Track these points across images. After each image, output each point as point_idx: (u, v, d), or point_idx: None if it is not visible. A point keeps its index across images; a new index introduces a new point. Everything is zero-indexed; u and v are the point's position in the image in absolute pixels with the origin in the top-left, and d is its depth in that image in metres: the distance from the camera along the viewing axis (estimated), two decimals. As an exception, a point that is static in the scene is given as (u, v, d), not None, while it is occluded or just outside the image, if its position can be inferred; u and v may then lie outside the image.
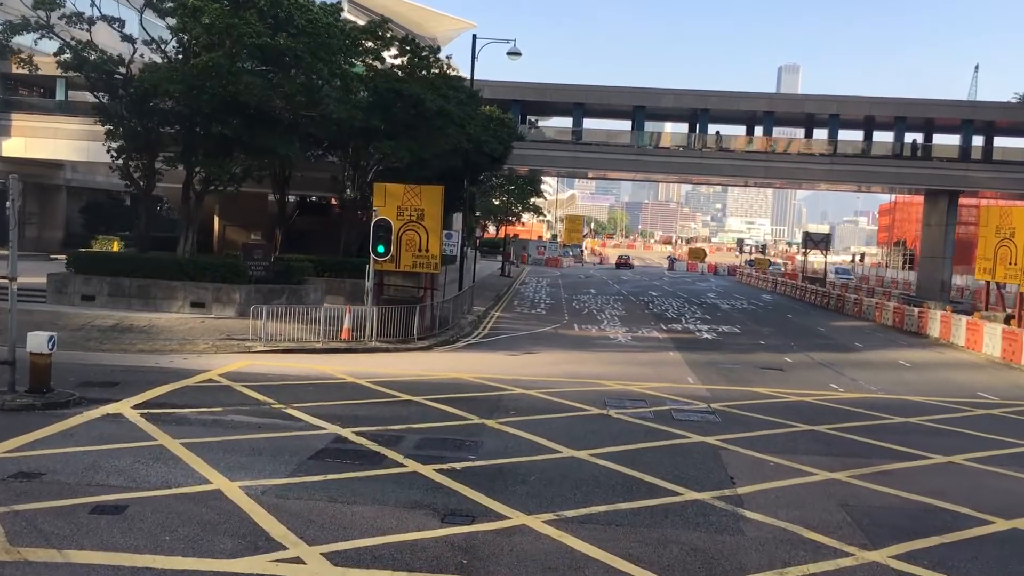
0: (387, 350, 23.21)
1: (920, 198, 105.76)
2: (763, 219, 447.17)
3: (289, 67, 24.12)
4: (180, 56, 25.52)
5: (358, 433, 13.11)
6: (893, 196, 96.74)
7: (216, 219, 37.78)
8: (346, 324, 23.80)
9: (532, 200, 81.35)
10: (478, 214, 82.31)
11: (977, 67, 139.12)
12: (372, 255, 23.78)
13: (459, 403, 15.84)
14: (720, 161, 42.22)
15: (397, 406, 15.53)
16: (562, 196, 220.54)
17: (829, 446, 13.85)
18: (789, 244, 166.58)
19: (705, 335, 30.96)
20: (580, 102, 42.34)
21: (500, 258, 66.81)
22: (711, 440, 13.82)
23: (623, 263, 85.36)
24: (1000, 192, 48.02)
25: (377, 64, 30.83)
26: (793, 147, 42.43)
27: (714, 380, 20.51)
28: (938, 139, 45.26)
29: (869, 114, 41.25)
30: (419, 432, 13.46)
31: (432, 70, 31.01)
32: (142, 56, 27.78)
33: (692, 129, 44.03)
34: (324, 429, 13.34)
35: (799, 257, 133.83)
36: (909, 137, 43.68)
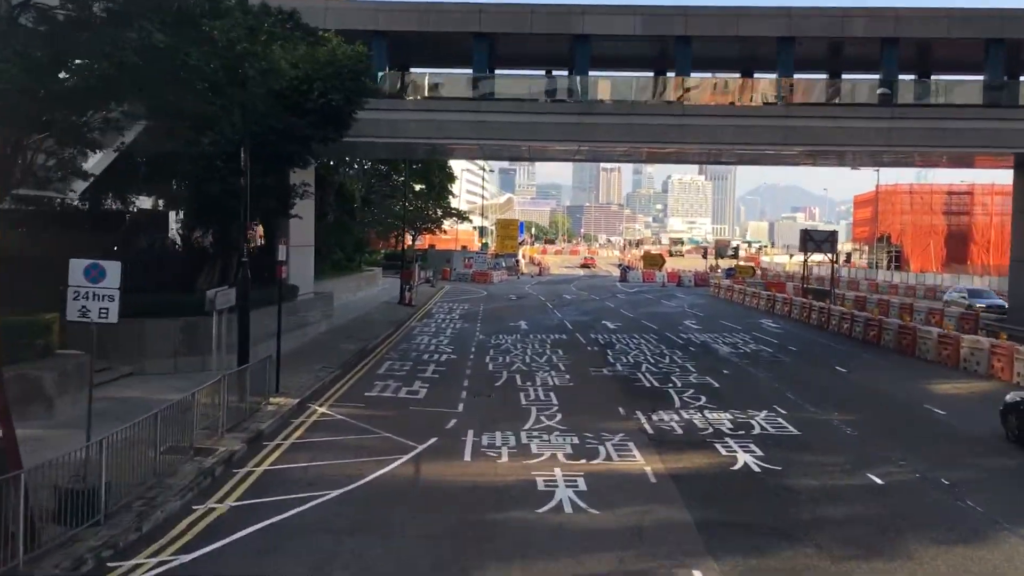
0: None
1: (907, 186, 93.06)
2: (704, 218, 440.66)
3: None
4: None
5: None
6: (877, 181, 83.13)
7: None
8: None
9: (449, 200, 64.49)
10: (380, 226, 65.33)
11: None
12: None
13: None
14: (714, 120, 26.22)
15: None
16: (499, 200, 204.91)
17: None
18: (749, 244, 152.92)
19: (739, 453, 14.66)
20: (483, 32, 25.97)
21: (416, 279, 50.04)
22: None
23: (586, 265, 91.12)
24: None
25: None
26: (816, 95, 26.71)
27: None
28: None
29: (946, 36, 25.77)
30: None
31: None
32: None
33: (661, 72, 27.86)
34: None
35: (765, 258, 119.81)
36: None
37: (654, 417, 17.64)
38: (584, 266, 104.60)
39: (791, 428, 16.70)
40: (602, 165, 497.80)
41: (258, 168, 21.18)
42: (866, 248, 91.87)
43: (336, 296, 39.51)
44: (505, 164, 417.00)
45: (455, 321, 37.52)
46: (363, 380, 21.56)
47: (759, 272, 78.36)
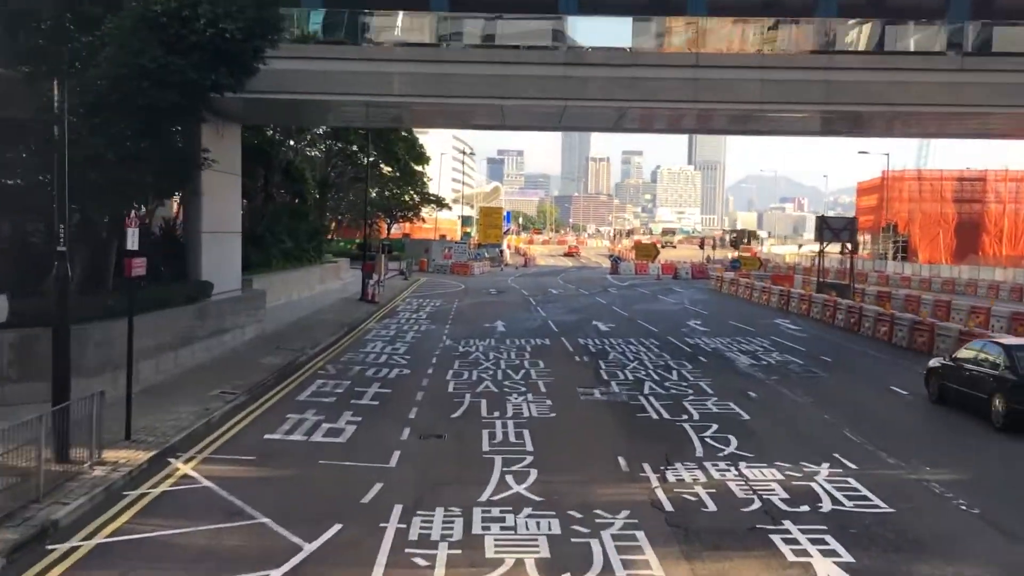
0: None
1: (915, 172, 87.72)
2: (693, 208, 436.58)
3: None
4: None
5: None
6: (887, 166, 77.86)
7: None
8: None
9: (425, 184, 58.74)
10: (355, 213, 59.26)
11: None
12: None
13: None
14: (735, 73, 20.67)
15: None
16: (485, 189, 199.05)
17: None
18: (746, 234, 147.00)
19: (815, 557, 9.12)
20: (443, -42, 20.32)
21: (383, 270, 44.46)
22: None
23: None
24: None
25: None
26: (864, 42, 21.13)
27: None
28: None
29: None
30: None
31: None
32: None
33: (663, 12, 21.99)
34: None
35: (756, 248, 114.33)
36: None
37: (670, 476, 12.23)
38: (568, 255, 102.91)
39: (875, 499, 11.26)
40: (591, 155, 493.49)
41: (126, 127, 15.58)
42: (869, 238, 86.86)
43: (286, 292, 34.06)
44: (493, 153, 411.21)
45: (421, 322, 32.09)
46: (271, 413, 15.99)
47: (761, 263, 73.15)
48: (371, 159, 43.27)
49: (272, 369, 19.74)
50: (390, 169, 51.25)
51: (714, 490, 11.59)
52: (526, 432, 14.68)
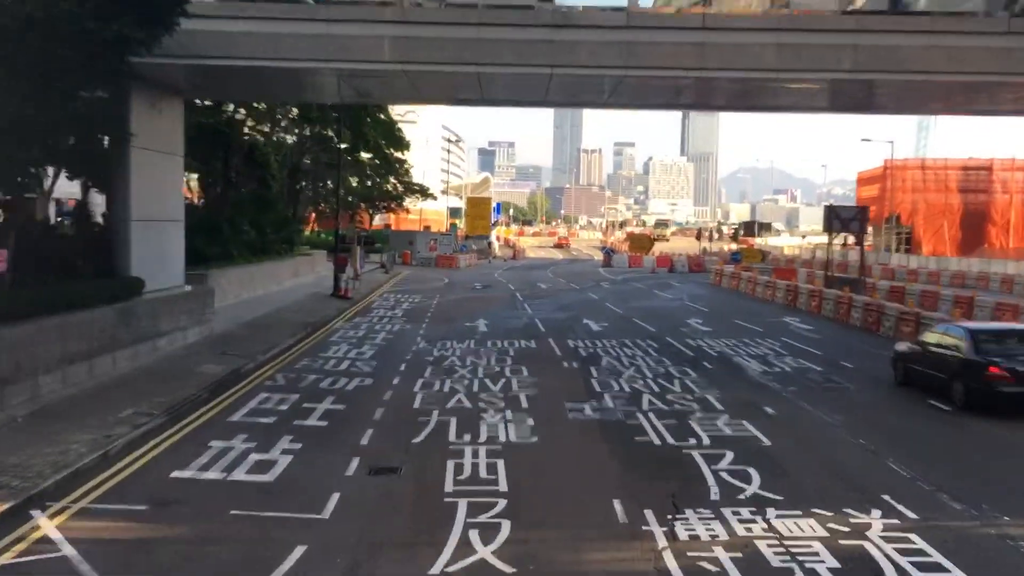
0: None
1: (918, 161, 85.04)
2: (686, 200, 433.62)
3: None
4: None
5: None
6: (891, 154, 75.08)
7: None
8: None
9: (408, 171, 55.77)
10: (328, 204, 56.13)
11: None
12: None
13: None
14: (749, 37, 17.81)
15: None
16: (475, 180, 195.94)
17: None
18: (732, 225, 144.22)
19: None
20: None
21: (359, 264, 41.74)
22: None
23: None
24: None
25: None
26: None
27: None
28: None
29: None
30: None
31: None
32: None
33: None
34: None
35: (759, 240, 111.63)
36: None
37: (680, 530, 9.49)
38: (558, 246, 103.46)
39: (952, 568, 8.51)
40: (583, 146, 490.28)
41: (9, 89, 12.66)
42: (871, 229, 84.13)
43: (249, 288, 31.28)
44: (484, 144, 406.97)
45: (395, 320, 29.27)
46: (191, 439, 13.13)
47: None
48: (344, 143, 40.21)
49: (209, 380, 16.89)
50: (369, 156, 48.20)
51: (739, 554, 8.84)
52: (500, 464, 11.92)
